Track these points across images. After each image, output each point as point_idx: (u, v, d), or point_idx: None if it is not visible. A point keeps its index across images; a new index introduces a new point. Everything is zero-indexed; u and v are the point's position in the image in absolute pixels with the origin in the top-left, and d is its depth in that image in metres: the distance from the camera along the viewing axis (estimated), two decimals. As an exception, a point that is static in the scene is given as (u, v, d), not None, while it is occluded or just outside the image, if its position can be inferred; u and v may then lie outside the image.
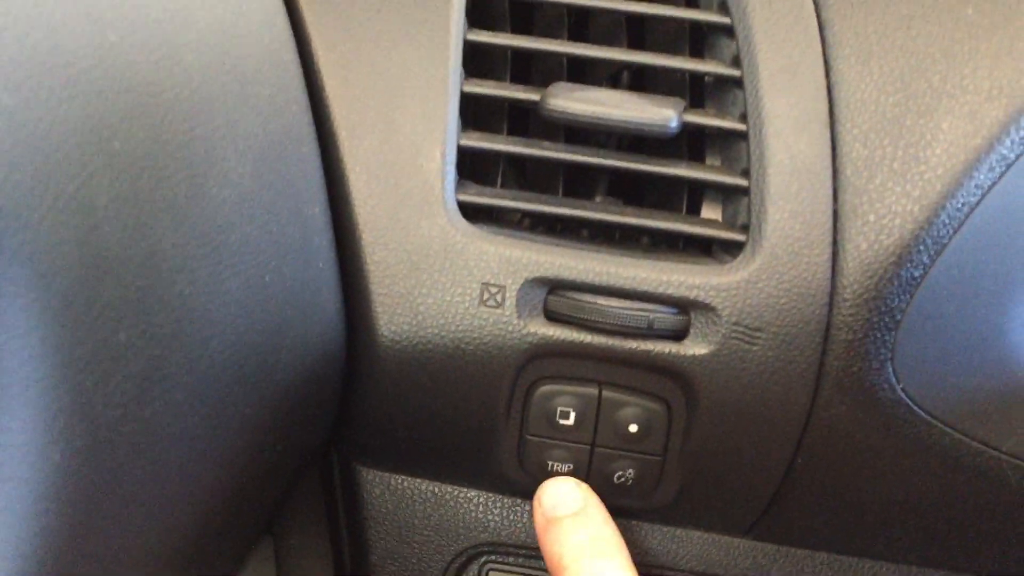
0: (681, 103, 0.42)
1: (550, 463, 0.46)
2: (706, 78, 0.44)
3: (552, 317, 0.43)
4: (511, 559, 0.51)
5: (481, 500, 0.50)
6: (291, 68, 0.41)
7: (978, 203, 0.40)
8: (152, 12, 0.31)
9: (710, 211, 0.44)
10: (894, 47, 0.41)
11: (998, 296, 0.41)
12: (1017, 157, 0.40)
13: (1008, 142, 0.39)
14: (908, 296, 0.40)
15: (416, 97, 0.42)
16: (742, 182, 0.42)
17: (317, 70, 0.43)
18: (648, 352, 0.42)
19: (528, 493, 0.47)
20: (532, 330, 0.42)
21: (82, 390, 0.27)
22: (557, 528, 0.44)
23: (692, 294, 0.41)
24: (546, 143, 0.44)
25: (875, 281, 0.40)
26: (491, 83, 0.44)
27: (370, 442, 0.49)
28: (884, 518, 0.47)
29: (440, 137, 0.42)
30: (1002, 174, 0.40)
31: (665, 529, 0.50)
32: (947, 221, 0.40)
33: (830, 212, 0.40)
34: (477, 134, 0.43)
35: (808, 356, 0.41)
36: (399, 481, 0.50)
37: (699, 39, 0.45)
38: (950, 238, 0.40)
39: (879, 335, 0.41)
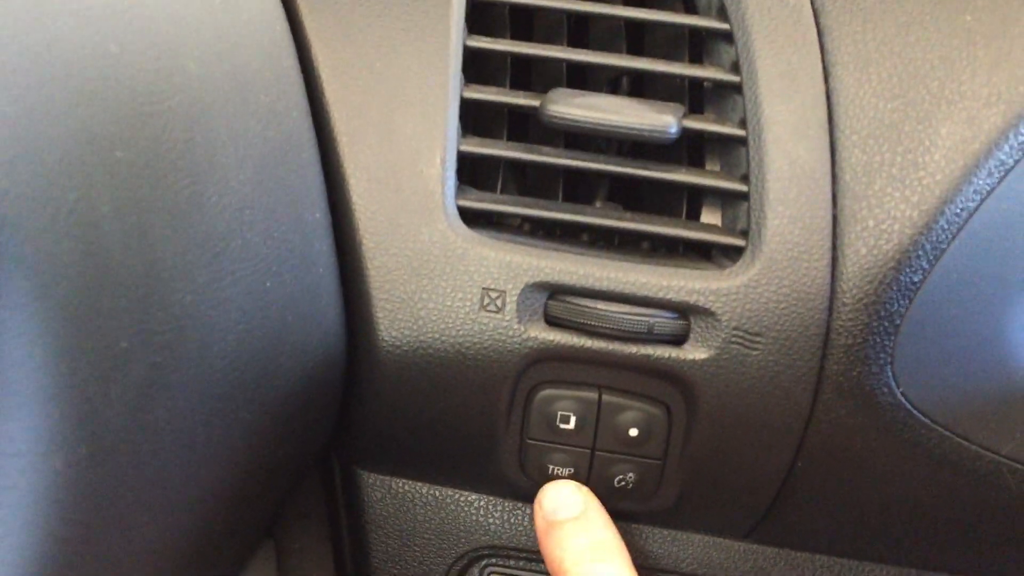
0: (680, 109, 0.42)
1: (551, 467, 0.46)
2: (705, 84, 0.44)
3: (552, 322, 0.43)
4: (512, 562, 0.51)
5: (482, 504, 0.50)
6: (291, 74, 0.41)
7: (977, 208, 0.40)
8: (153, 21, 0.32)
9: (710, 216, 0.44)
10: (893, 53, 0.41)
11: (997, 300, 0.41)
12: (1016, 163, 0.40)
13: (1007, 148, 0.40)
14: (907, 301, 0.40)
15: (416, 103, 0.42)
16: (741, 187, 0.42)
17: (317, 76, 0.43)
18: (648, 356, 0.42)
19: (529, 497, 0.47)
20: (532, 335, 0.42)
21: (84, 398, 0.27)
22: (558, 532, 0.44)
23: (692, 299, 0.41)
24: (546, 149, 0.44)
25: (874, 286, 0.40)
26: (491, 89, 0.44)
27: (371, 446, 0.49)
28: (884, 521, 0.47)
29: (440, 143, 0.42)
30: (1001, 179, 0.40)
31: (666, 532, 0.50)
32: (946, 226, 0.40)
33: (829, 217, 0.40)
34: (477, 140, 0.43)
35: (808, 360, 0.41)
36: (400, 485, 0.50)
37: (698, 45, 0.45)
38: (949, 243, 0.40)
39: (879, 339, 0.41)
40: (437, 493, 0.50)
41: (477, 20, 0.45)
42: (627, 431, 0.44)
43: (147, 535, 0.33)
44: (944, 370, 0.42)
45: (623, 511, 0.48)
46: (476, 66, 0.45)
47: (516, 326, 0.42)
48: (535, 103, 0.42)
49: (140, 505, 0.32)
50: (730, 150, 0.43)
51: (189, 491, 0.35)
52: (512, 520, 0.50)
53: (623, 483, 0.46)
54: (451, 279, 0.42)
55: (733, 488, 0.46)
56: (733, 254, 0.42)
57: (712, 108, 0.44)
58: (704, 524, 0.50)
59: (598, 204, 0.45)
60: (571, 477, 0.46)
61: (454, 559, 0.51)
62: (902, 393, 0.42)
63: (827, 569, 0.51)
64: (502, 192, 0.45)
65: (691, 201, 0.44)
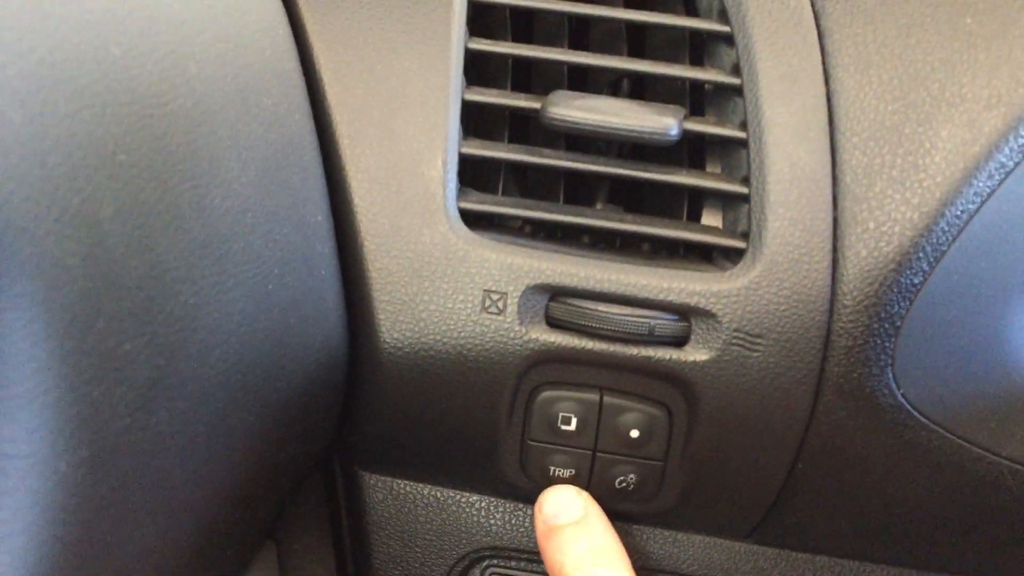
0: (681, 111, 0.42)
1: (552, 468, 0.46)
2: (706, 86, 0.44)
3: (553, 324, 0.43)
4: (513, 563, 0.51)
5: (483, 505, 0.50)
6: (293, 77, 0.41)
7: (977, 210, 0.40)
8: (155, 24, 0.32)
9: (710, 218, 0.44)
10: (893, 56, 0.41)
11: (997, 302, 0.41)
12: (1016, 165, 0.40)
13: (1007, 150, 0.40)
14: (908, 303, 0.40)
15: (417, 105, 0.42)
16: (742, 189, 0.42)
17: (319, 79, 0.43)
18: (649, 358, 0.42)
19: (530, 498, 0.47)
20: (534, 336, 0.42)
21: (87, 401, 0.27)
22: (558, 536, 0.44)
23: (693, 301, 0.41)
24: (547, 151, 0.44)
25: (875, 288, 0.40)
26: (492, 91, 0.44)
27: (372, 447, 0.49)
28: (884, 522, 0.47)
29: (441, 145, 0.42)
30: (1001, 181, 0.40)
31: (667, 533, 0.50)
32: (946, 228, 0.40)
33: (830, 219, 0.41)
34: (478, 142, 0.44)
35: (809, 362, 0.41)
36: (401, 486, 0.50)
37: (699, 47, 0.45)
38: (949, 245, 0.40)
39: (879, 341, 0.41)
40: (438, 494, 0.50)
41: (478, 22, 0.45)
42: (628, 432, 0.44)
43: (149, 536, 0.33)
44: (945, 372, 0.42)
45: (624, 512, 0.48)
46: (477, 68, 0.45)
47: (517, 328, 0.42)
48: (536, 105, 0.43)
49: (142, 507, 0.32)
50: (731, 152, 0.43)
51: (191, 492, 0.35)
52: (513, 521, 0.50)
53: (624, 484, 0.46)
54: (452, 281, 0.42)
55: (734, 489, 0.46)
56: (734, 256, 0.42)
57: (713, 110, 0.44)
58: (705, 525, 0.50)
59: (599, 206, 0.45)
60: (572, 478, 0.46)
61: (455, 560, 0.51)
62: (903, 394, 0.42)
63: (828, 570, 0.51)
64: (503, 194, 0.45)
65: (692, 203, 0.45)
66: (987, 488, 0.44)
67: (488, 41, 0.44)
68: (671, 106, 0.43)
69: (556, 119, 0.41)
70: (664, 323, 0.42)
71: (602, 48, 0.45)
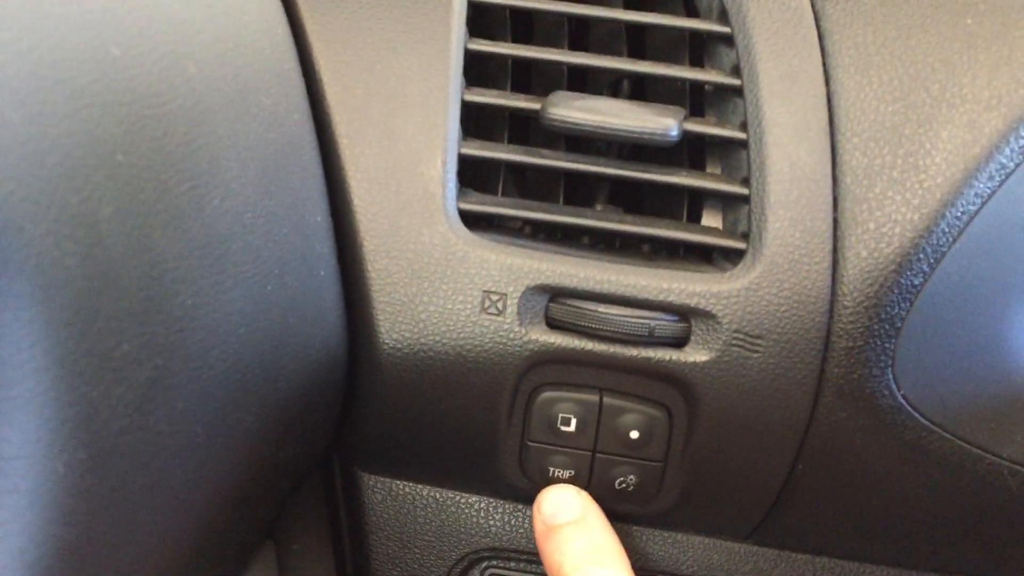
0: (681, 112, 0.42)
1: (551, 469, 0.46)
2: (706, 87, 0.44)
3: (553, 324, 0.43)
4: (512, 564, 0.51)
5: (482, 506, 0.50)
6: (292, 77, 0.41)
7: (977, 211, 0.40)
8: (153, 24, 0.32)
9: (710, 219, 0.44)
10: (893, 57, 0.41)
11: (997, 303, 0.41)
12: (1016, 166, 0.40)
13: (1007, 151, 0.40)
14: (908, 304, 0.40)
15: (417, 106, 0.42)
16: (742, 190, 0.42)
17: (318, 79, 0.43)
18: (649, 359, 0.42)
19: (529, 499, 0.47)
20: (533, 337, 0.42)
21: (86, 401, 0.27)
22: (557, 536, 0.44)
23: (693, 301, 0.41)
24: (547, 151, 0.44)
25: (875, 289, 0.40)
26: (492, 92, 0.44)
27: (372, 448, 0.49)
28: (884, 523, 0.47)
29: (441, 145, 0.42)
30: (1001, 183, 0.40)
31: (666, 534, 0.50)
32: (947, 229, 0.40)
33: (830, 220, 0.41)
34: (478, 142, 0.43)
35: (809, 363, 0.41)
36: (400, 487, 0.50)
37: (699, 48, 0.45)
38: (950, 246, 0.40)
39: (879, 342, 0.41)
40: (438, 495, 0.50)
41: (478, 23, 0.45)
42: (628, 433, 0.44)
43: (148, 537, 0.33)
44: (945, 372, 0.42)
45: (624, 513, 0.48)
46: (477, 69, 0.45)
47: (517, 329, 0.42)
48: (536, 106, 0.42)
49: (141, 507, 0.32)
50: (731, 153, 0.43)
51: (190, 493, 0.35)
52: (513, 522, 0.50)
53: (624, 485, 0.46)
54: (452, 282, 0.42)
55: (734, 490, 0.46)
56: (734, 257, 0.42)
57: (713, 111, 0.44)
58: (705, 526, 0.50)
59: (599, 207, 0.45)
60: (572, 479, 0.46)
61: (454, 561, 0.51)
62: (903, 395, 0.42)
63: (828, 571, 0.51)
64: (503, 195, 0.45)
65: (692, 204, 0.45)
66: (987, 488, 0.44)
67: (488, 42, 0.44)
68: (671, 107, 0.43)
69: (556, 120, 0.41)
70: (664, 324, 0.42)
71: (602, 49, 0.45)
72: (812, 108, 0.41)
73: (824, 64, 0.41)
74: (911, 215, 0.40)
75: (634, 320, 0.42)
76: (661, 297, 0.41)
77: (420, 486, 0.50)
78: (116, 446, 0.29)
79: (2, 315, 0.25)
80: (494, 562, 0.51)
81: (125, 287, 0.28)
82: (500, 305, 0.42)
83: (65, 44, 0.27)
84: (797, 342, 0.41)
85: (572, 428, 0.45)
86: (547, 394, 0.44)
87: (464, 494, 0.50)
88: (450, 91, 0.42)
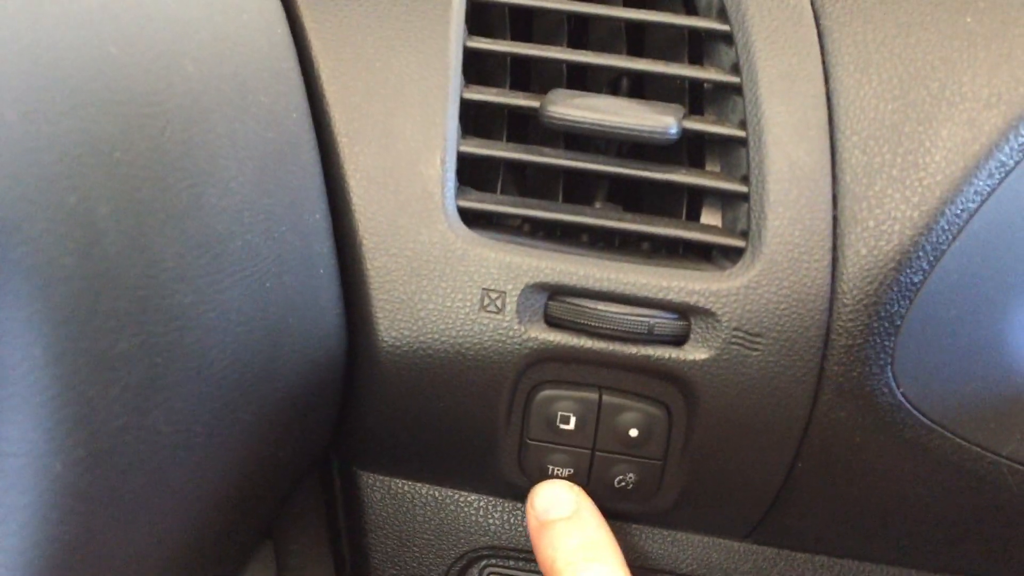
0: (680, 110, 0.42)
1: (550, 467, 0.46)
2: (705, 85, 0.44)
3: (552, 322, 0.43)
4: (511, 563, 0.51)
5: (481, 504, 0.50)
6: (291, 76, 0.41)
7: (977, 209, 0.40)
8: (151, 22, 0.32)
9: (710, 217, 0.44)
10: (893, 55, 0.41)
11: (997, 301, 0.41)
12: (1016, 164, 0.40)
13: (1007, 149, 0.40)
14: (908, 301, 0.40)
15: (416, 104, 0.42)
16: (742, 188, 0.42)
17: (317, 77, 0.43)
18: (648, 357, 0.42)
19: (528, 497, 0.47)
20: (532, 335, 0.42)
21: (83, 400, 0.27)
22: (550, 532, 0.44)
23: (692, 299, 0.41)
24: (546, 149, 0.44)
25: (875, 287, 0.40)
26: (491, 90, 0.44)
27: (370, 446, 0.49)
28: (884, 522, 0.47)
29: (440, 144, 0.42)
30: (1001, 180, 0.40)
31: (665, 533, 0.50)
32: (946, 227, 0.40)
33: (830, 218, 0.40)
34: (477, 140, 0.43)
35: (808, 361, 0.41)
36: (399, 485, 0.50)
37: (698, 46, 0.45)
38: (949, 244, 0.40)
39: (879, 340, 0.41)
40: (436, 493, 0.50)
41: (477, 21, 0.45)
42: (627, 431, 0.44)
43: (146, 536, 0.33)
44: (944, 371, 0.42)
45: (623, 512, 0.48)
46: (476, 67, 0.45)
47: (516, 327, 0.42)
48: (535, 104, 0.42)
49: (139, 506, 0.32)
50: (730, 151, 0.43)
51: (188, 492, 0.35)
52: (512, 520, 0.50)
53: (623, 484, 0.46)
54: (451, 280, 0.42)
55: (733, 489, 0.46)
56: (733, 255, 0.42)
57: (712, 109, 0.44)
58: (704, 525, 0.50)
59: (598, 205, 0.45)
60: (571, 478, 0.46)
61: (453, 559, 0.51)
62: (902, 393, 0.42)
63: (827, 570, 0.51)
64: (502, 193, 0.45)
65: (691, 202, 0.44)
66: (987, 488, 0.44)
67: (487, 40, 0.44)
68: (670, 105, 0.43)
69: (555, 118, 0.41)
70: (663, 322, 0.42)
71: (601, 47, 0.45)
72: (812, 106, 0.41)
73: (823, 62, 0.41)
74: (911, 213, 0.40)
75: (633, 318, 0.42)
76: (660, 295, 0.41)
77: (419, 484, 0.50)
78: (114, 445, 0.29)
79: (-1, 314, 0.25)
80: (493, 560, 0.51)
81: (123, 286, 0.28)
82: (499, 303, 0.42)
83: (63, 42, 0.27)
84: (796, 340, 0.41)
85: (571, 426, 0.45)
86: (546, 392, 0.44)
87: (463, 492, 0.50)
88: (449, 89, 0.42)
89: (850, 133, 0.41)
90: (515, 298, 0.42)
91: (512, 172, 0.46)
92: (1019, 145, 0.40)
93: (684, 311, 0.42)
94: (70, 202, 0.26)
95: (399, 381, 0.44)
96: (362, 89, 0.43)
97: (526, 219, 0.44)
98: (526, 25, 0.46)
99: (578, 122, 0.41)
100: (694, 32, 0.44)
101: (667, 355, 0.42)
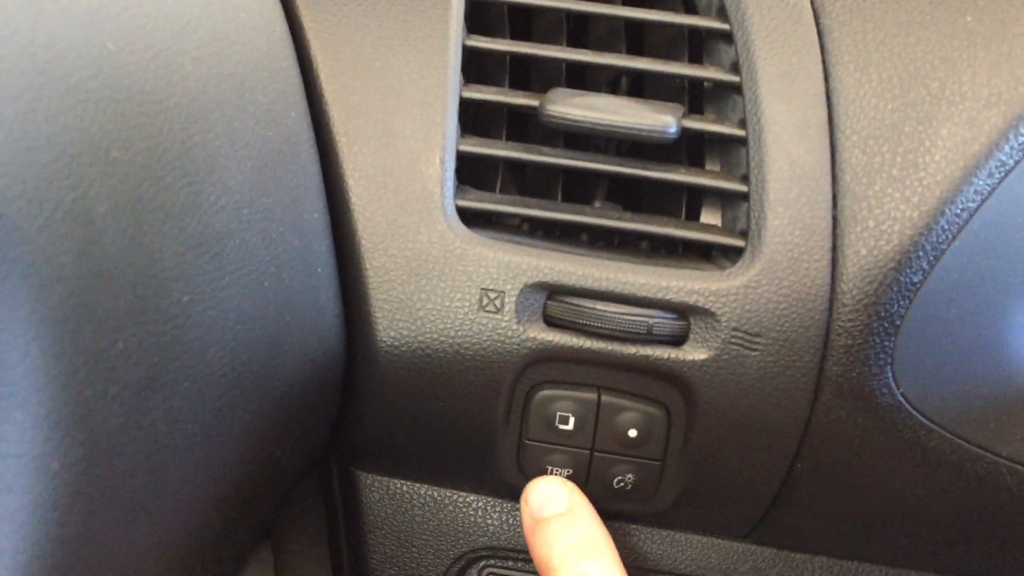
0: (680, 109, 0.42)
1: (549, 468, 0.46)
2: (705, 84, 0.44)
3: (551, 322, 0.43)
4: (510, 563, 0.51)
5: (480, 504, 0.50)
6: (290, 74, 0.41)
7: (977, 209, 0.40)
8: (150, 20, 0.31)
9: (709, 216, 0.44)
10: (893, 54, 0.41)
11: (997, 301, 0.41)
12: (1016, 164, 0.40)
13: (1007, 148, 0.39)
14: (907, 301, 0.40)
15: (415, 103, 0.42)
16: (741, 188, 0.42)
17: (316, 76, 0.43)
18: (647, 357, 0.42)
19: (527, 498, 0.47)
20: (531, 335, 0.42)
21: (81, 399, 0.27)
22: (545, 529, 0.43)
23: (691, 299, 0.41)
24: (545, 148, 0.44)
25: (875, 286, 0.40)
26: (490, 89, 0.44)
27: (369, 447, 0.49)
28: (883, 522, 0.47)
29: (439, 143, 0.42)
30: (1001, 180, 0.40)
31: (664, 533, 0.50)
32: (946, 227, 0.40)
33: (829, 218, 0.40)
34: (476, 139, 0.43)
35: (808, 361, 0.41)
36: (398, 485, 0.50)
37: (698, 45, 0.45)
38: (949, 244, 0.40)
39: (879, 340, 0.41)
40: (435, 494, 0.50)
41: (476, 20, 0.45)
42: (626, 432, 0.44)
43: (144, 536, 0.33)
44: (944, 371, 0.42)
45: (622, 512, 0.48)
46: (475, 66, 0.45)
47: (515, 326, 0.42)
48: (534, 103, 0.42)
49: (137, 506, 0.32)
50: (730, 150, 0.43)
51: (187, 492, 0.35)
52: (510, 521, 0.50)
53: (622, 484, 0.46)
54: (450, 279, 0.42)
55: (732, 489, 0.46)
56: (733, 255, 0.42)
57: (712, 108, 0.44)
58: (703, 525, 0.50)
59: (597, 204, 0.45)
60: (570, 478, 0.46)
61: (452, 560, 0.51)
62: (902, 394, 0.42)
63: (826, 570, 0.51)
64: (501, 192, 0.45)
65: (691, 201, 0.44)
66: (986, 488, 0.44)
67: (486, 38, 0.44)
68: (670, 104, 0.42)
69: (554, 117, 0.41)
70: (663, 322, 0.42)
71: (601, 46, 0.45)
72: (811, 105, 0.41)
73: (823, 61, 0.41)
74: (910, 213, 0.40)
75: (632, 318, 0.42)
76: (660, 295, 0.41)
77: (418, 485, 0.50)
78: (112, 444, 0.29)
79: (-3, 312, 0.25)
80: (492, 561, 0.51)
81: (120, 284, 0.28)
82: (498, 303, 0.42)
83: (60, 40, 0.27)
84: (796, 340, 0.41)
85: (570, 426, 0.45)
86: (545, 392, 0.44)
87: (462, 493, 0.50)
88: (448, 88, 0.42)
89: (850, 132, 0.41)
90: (514, 298, 0.42)
91: (511, 171, 0.46)
92: (1019, 145, 0.40)
93: (683, 311, 0.42)
94: (68, 200, 0.26)
95: (398, 381, 0.44)
96: (361, 88, 0.42)
97: (525, 218, 0.44)
98: (525, 24, 0.46)
99: (577, 121, 0.41)
100: (694, 31, 0.44)
101: (666, 355, 0.42)
